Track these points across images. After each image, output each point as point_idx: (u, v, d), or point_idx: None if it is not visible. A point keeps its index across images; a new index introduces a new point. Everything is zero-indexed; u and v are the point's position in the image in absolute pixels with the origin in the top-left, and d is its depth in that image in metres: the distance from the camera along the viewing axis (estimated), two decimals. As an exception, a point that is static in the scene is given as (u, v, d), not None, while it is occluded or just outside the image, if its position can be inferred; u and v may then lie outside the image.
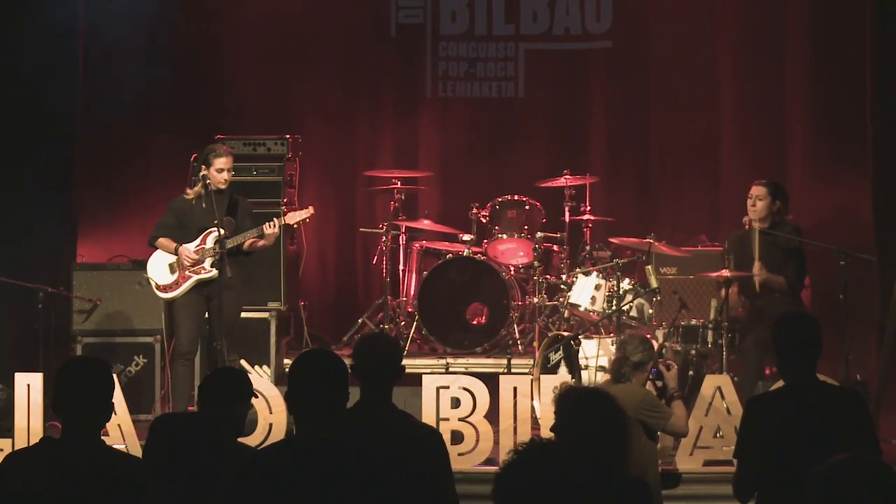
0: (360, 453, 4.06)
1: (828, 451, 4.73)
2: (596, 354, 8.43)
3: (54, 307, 9.35)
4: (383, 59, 11.42)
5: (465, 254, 10.07)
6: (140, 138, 10.76)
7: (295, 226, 8.73)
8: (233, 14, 11.10)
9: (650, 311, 8.70)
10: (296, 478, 3.94)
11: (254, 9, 11.14)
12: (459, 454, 7.59)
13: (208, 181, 8.36)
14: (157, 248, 8.51)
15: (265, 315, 9.64)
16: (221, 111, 10.91)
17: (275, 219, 8.45)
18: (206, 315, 8.52)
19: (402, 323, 10.25)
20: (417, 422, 5.19)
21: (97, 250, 10.23)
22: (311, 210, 8.62)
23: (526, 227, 10.15)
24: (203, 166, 8.41)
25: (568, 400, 4.29)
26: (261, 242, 8.45)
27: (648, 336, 7.51)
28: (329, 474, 3.95)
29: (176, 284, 8.45)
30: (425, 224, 10.52)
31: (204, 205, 8.39)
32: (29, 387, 7.89)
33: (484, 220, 10.29)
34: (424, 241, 10.56)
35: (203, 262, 8.38)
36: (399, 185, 10.59)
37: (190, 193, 8.49)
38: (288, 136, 10.07)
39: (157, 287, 8.51)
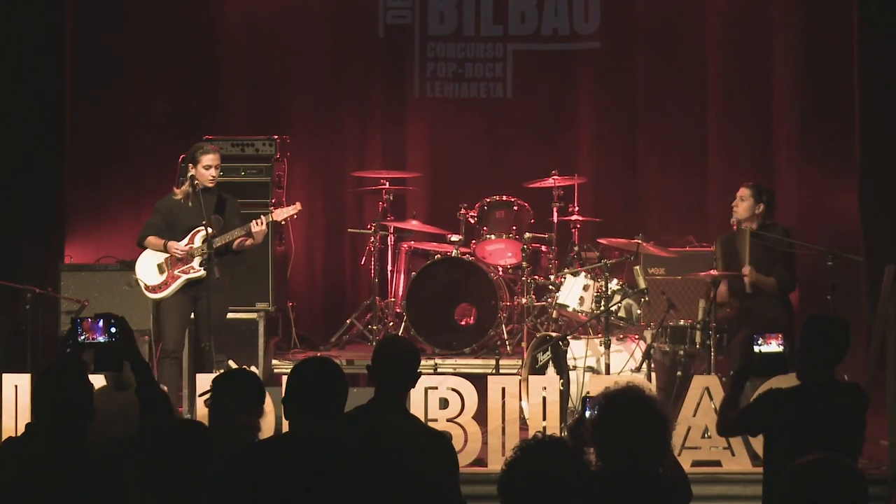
0: (353, 450, 4.07)
1: (824, 447, 4.95)
2: (584, 355, 8.45)
3: (42, 308, 9.33)
4: (371, 59, 11.40)
5: (453, 254, 10.06)
6: (128, 139, 10.75)
7: (283, 222, 8.75)
8: (221, 15, 11.09)
9: (638, 311, 8.71)
10: (287, 471, 3.94)
11: (241, 9, 11.13)
12: (448, 455, 7.59)
13: (196, 181, 8.38)
14: (145, 249, 8.52)
15: (253, 316, 9.64)
16: (210, 112, 10.89)
17: (262, 216, 8.46)
18: (193, 316, 8.53)
19: (391, 324, 10.24)
20: (427, 426, 5.21)
21: (85, 251, 10.21)
22: (298, 206, 8.65)
23: (514, 228, 10.15)
24: (190, 165, 8.42)
25: (607, 402, 4.28)
26: (249, 241, 8.47)
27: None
28: (320, 469, 3.95)
29: (165, 285, 8.46)
30: (413, 224, 10.51)
31: (191, 204, 8.40)
32: (17, 388, 7.88)
33: (472, 221, 10.29)
34: (413, 242, 10.55)
35: (192, 261, 8.39)
36: (387, 186, 10.58)
37: (177, 193, 8.50)
38: (276, 136, 10.07)
39: (147, 288, 8.52)
